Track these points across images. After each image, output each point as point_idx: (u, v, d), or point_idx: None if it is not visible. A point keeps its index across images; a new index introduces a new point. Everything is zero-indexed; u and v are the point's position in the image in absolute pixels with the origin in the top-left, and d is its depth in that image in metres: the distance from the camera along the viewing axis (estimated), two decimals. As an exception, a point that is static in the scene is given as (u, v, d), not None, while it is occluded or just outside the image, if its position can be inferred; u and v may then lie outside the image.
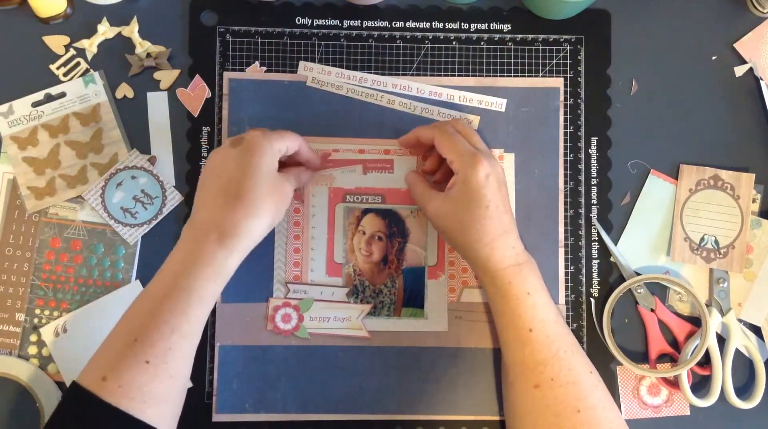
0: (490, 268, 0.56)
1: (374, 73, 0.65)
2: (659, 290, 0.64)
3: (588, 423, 0.53)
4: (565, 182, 0.64)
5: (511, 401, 0.58)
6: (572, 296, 0.64)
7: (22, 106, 0.63)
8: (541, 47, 0.65)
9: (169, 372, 0.50)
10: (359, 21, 0.65)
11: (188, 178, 0.64)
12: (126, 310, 0.53)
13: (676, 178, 0.65)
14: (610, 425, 0.54)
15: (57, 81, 0.64)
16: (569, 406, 0.54)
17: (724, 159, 0.65)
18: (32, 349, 0.62)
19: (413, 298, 0.63)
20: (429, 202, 0.58)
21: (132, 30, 0.64)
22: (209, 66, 0.64)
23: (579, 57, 0.65)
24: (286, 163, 0.60)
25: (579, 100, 0.65)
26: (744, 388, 0.63)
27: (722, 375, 0.62)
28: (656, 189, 0.65)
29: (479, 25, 0.65)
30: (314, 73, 0.64)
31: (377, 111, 0.64)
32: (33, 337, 0.62)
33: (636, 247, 0.64)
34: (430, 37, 0.65)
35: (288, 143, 0.57)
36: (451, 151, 0.57)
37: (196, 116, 0.64)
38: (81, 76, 0.64)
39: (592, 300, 0.64)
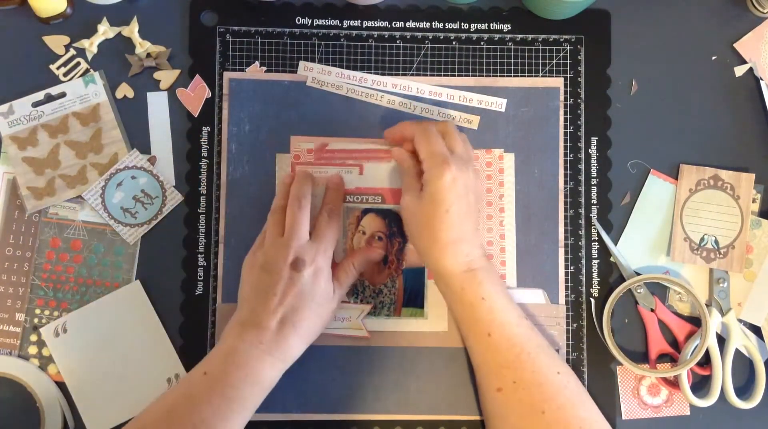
0: (440, 272, 0.56)
1: (374, 73, 0.65)
2: (659, 290, 0.64)
3: (555, 424, 0.53)
4: (565, 182, 0.64)
5: (481, 402, 0.59)
6: (572, 296, 0.64)
7: (22, 106, 0.63)
8: (541, 47, 0.65)
9: None
10: (359, 21, 0.65)
11: (188, 178, 0.64)
12: (164, 397, 0.53)
13: (676, 178, 0.65)
14: (580, 424, 0.53)
15: (57, 81, 0.64)
16: (534, 408, 0.53)
17: (724, 159, 0.65)
18: (32, 349, 0.62)
19: (413, 298, 0.63)
20: (406, 192, 0.58)
21: (132, 30, 0.64)
22: (209, 66, 0.64)
23: (579, 57, 0.65)
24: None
25: (579, 100, 0.65)
26: (744, 388, 0.63)
27: (722, 375, 0.62)
28: (656, 189, 0.65)
29: (479, 25, 0.65)
30: (314, 73, 0.64)
31: (377, 111, 0.64)
32: (33, 337, 0.62)
33: (636, 247, 0.64)
34: (430, 37, 0.65)
35: (333, 244, 0.58)
36: (424, 151, 0.57)
37: (196, 116, 0.64)
38: (81, 76, 0.64)
39: (592, 300, 0.64)
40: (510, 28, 0.65)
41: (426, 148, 0.57)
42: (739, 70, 0.66)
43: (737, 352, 0.63)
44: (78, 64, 0.64)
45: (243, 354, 0.53)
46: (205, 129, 0.64)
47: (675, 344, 0.64)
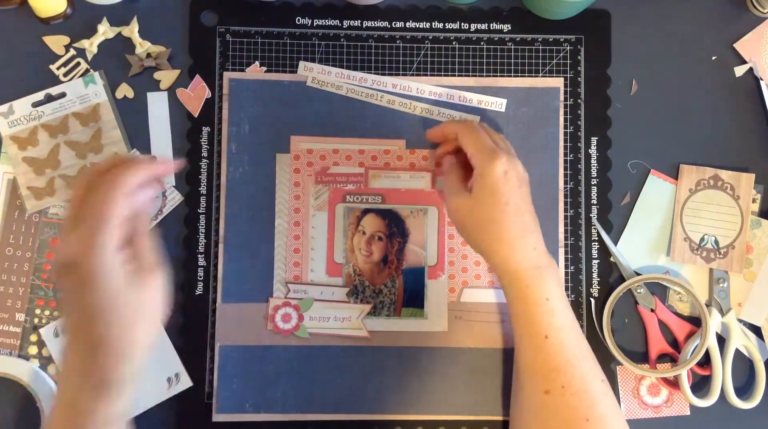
0: (508, 270, 0.55)
1: (374, 73, 0.65)
2: (659, 290, 0.64)
3: None
4: (565, 182, 0.64)
5: (519, 404, 0.57)
6: (572, 296, 0.64)
7: (22, 106, 0.63)
8: (541, 47, 0.65)
9: None
10: (359, 21, 0.65)
11: (188, 178, 0.64)
12: None
13: (676, 178, 0.65)
14: None
15: (57, 81, 0.64)
16: (578, 415, 0.53)
17: (724, 159, 0.65)
18: (32, 349, 0.62)
19: (413, 298, 0.63)
20: (452, 195, 0.57)
21: (132, 30, 0.64)
22: (209, 66, 0.64)
23: (579, 57, 0.65)
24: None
25: (579, 100, 0.65)
26: (744, 388, 0.63)
27: (722, 375, 0.62)
28: (656, 189, 0.65)
29: (479, 25, 0.65)
30: (314, 73, 0.65)
31: (377, 111, 0.64)
32: (33, 337, 0.62)
33: (636, 247, 0.64)
34: (430, 37, 0.65)
35: (123, 206, 0.45)
36: (471, 146, 0.56)
37: (196, 116, 0.64)
38: (81, 76, 0.64)
39: (592, 300, 0.64)
40: (510, 28, 0.65)
41: (473, 142, 0.56)
42: (739, 70, 0.66)
43: (737, 352, 0.63)
44: (78, 64, 0.64)
45: (71, 389, 0.46)
46: (205, 129, 0.64)
47: (675, 344, 0.64)
